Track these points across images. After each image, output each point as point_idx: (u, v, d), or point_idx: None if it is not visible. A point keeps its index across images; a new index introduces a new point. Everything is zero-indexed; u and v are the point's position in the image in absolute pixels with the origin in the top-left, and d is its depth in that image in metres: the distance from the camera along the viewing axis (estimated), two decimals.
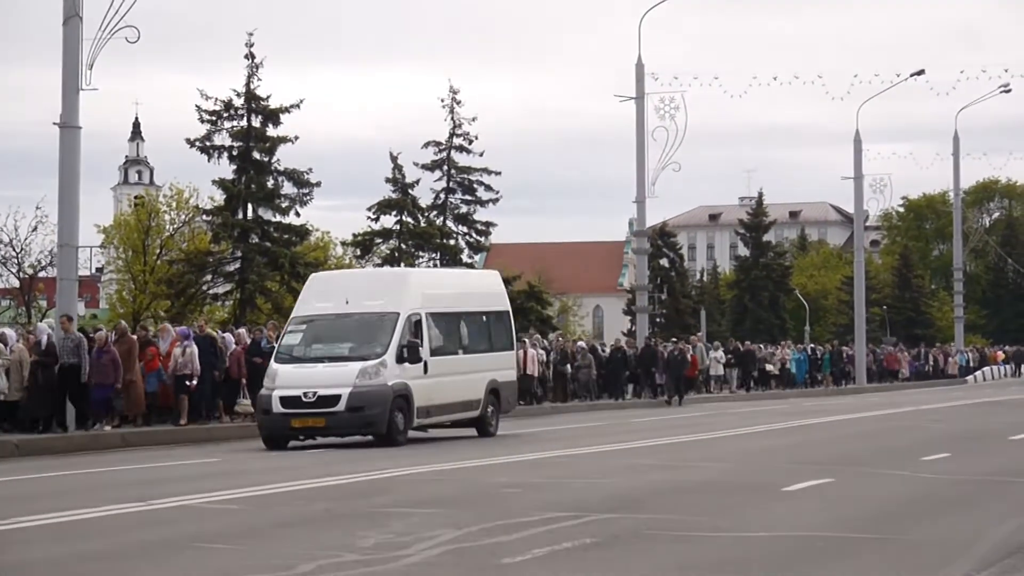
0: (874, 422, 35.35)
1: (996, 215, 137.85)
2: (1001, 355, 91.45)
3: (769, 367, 58.37)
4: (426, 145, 64.94)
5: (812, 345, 69.65)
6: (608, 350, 49.25)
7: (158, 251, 65.29)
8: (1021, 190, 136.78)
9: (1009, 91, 76.74)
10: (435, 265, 65.03)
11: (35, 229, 64.51)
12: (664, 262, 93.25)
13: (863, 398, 54.84)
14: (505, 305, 31.99)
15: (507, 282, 66.79)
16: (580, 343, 49.38)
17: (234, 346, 31.75)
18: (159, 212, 67.27)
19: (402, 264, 64.05)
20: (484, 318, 30.91)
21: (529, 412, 39.41)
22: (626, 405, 45.96)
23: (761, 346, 61.70)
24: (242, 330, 34.10)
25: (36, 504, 16.58)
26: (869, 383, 68.60)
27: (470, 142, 64.83)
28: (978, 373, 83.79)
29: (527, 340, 43.28)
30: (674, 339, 53.60)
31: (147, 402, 29.76)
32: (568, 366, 44.53)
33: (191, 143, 55.56)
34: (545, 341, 45.69)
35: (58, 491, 18.71)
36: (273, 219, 56.65)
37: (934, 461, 22.56)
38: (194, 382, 29.87)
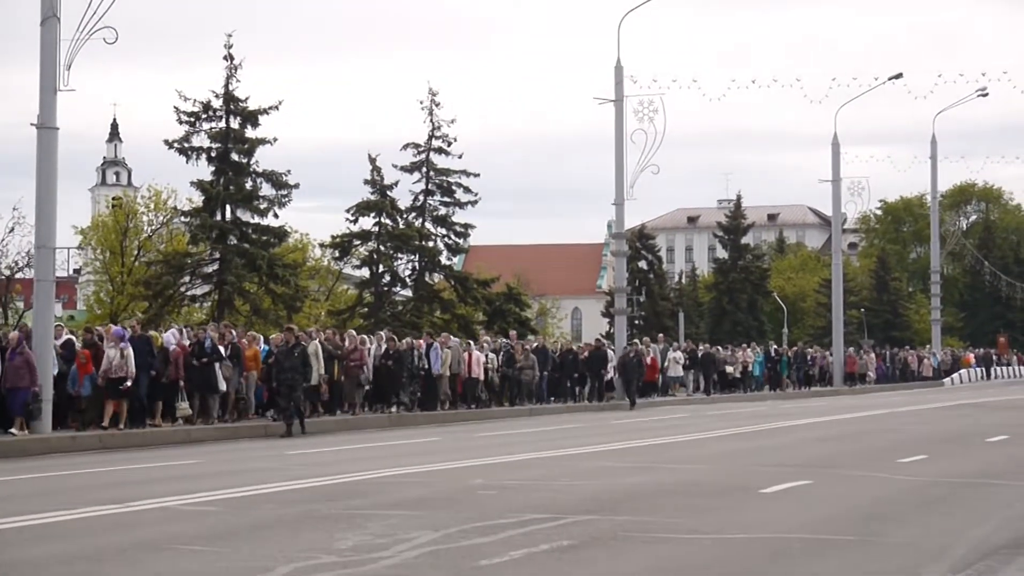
0: (851, 424, 35.41)
1: (973, 218, 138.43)
2: (971, 358, 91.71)
3: (729, 369, 56.83)
4: (405, 147, 64.88)
5: (775, 347, 67.22)
6: (558, 351, 47.44)
7: (136, 252, 65.26)
8: (998, 193, 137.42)
9: (986, 95, 77.15)
10: (414, 268, 65.01)
11: (12, 230, 64.52)
12: (643, 264, 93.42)
13: (838, 400, 54.70)
14: None
15: (486, 284, 67.41)
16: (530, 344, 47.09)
17: (173, 346, 30.83)
18: (137, 213, 67.30)
19: (380, 267, 64.02)
20: None
21: (472, 416, 38.51)
22: (572, 408, 44.09)
23: (719, 348, 60.05)
24: (172, 330, 32.95)
25: (13, 506, 16.52)
26: (835, 386, 66.84)
27: (449, 144, 64.78)
28: (955, 375, 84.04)
29: (472, 342, 42.32)
30: (635, 340, 53.00)
31: (82, 406, 28.85)
32: (511, 368, 42.55)
33: (169, 144, 55.43)
34: (493, 342, 43.83)
35: (35, 493, 18.63)
36: (251, 220, 56.51)
37: (911, 463, 22.65)
38: (128, 384, 28.81)
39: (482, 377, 40.49)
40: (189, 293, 58.20)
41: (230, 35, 55.04)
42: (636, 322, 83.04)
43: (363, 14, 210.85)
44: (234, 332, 33.50)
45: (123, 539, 13.87)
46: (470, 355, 39.94)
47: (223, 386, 31.62)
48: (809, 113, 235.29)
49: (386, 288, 64.95)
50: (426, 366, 37.99)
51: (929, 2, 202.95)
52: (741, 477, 20.13)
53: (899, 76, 70.79)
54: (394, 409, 36.72)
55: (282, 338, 32.42)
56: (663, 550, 13.30)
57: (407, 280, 65.30)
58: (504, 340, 45.52)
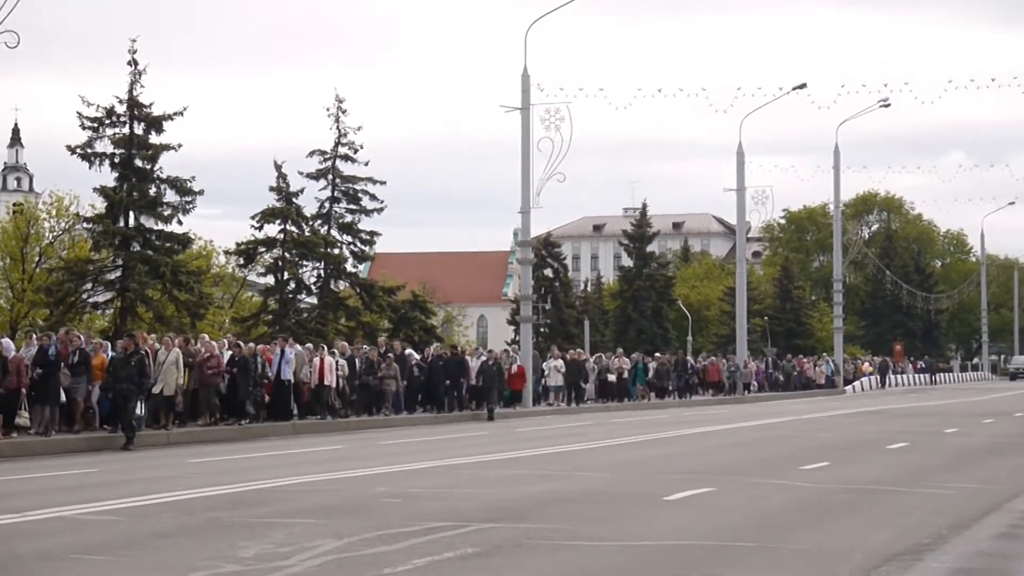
0: (753, 432, 35.68)
1: (875, 227, 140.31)
2: (867, 367, 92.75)
3: (612, 378, 55.17)
4: (311, 154, 64.66)
5: (648, 355, 64.14)
6: (428, 359, 44.77)
7: (37, 259, 64.40)
8: (899, 203, 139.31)
9: (888, 106, 78.21)
10: (319, 275, 64.77)
11: None
12: (548, 272, 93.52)
13: (742, 408, 55.00)
14: None
15: (391, 291, 67.30)
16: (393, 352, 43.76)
17: (12, 353, 29.30)
18: (38, 219, 66.36)
19: (285, 274, 63.70)
20: None
21: (327, 427, 36.69)
22: (426, 419, 41.52)
23: (602, 355, 58.72)
24: (5, 338, 31.36)
25: None
26: (691, 396, 62.43)
27: (355, 151, 64.61)
28: (855, 384, 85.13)
29: (324, 347, 40.52)
30: (492, 349, 51.95)
31: None
32: (371, 377, 40.53)
33: (72, 150, 54.81)
34: (348, 349, 41.37)
35: None
36: (155, 227, 56.01)
37: (813, 470, 22.85)
38: None
39: (334, 385, 38.44)
40: (91, 300, 57.57)
41: (134, 40, 54.50)
42: (542, 329, 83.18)
43: (270, 19, 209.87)
44: (81, 338, 31.90)
45: (21, 549, 13.68)
46: (322, 361, 38.01)
47: (63, 396, 29.98)
48: (714, 122, 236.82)
49: (291, 295, 64.60)
50: (271, 374, 36.24)
51: (833, 13, 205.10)
52: (645, 484, 20.21)
53: (803, 86, 71.61)
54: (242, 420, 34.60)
55: (121, 345, 31.07)
56: (567, 557, 13.33)
57: (312, 287, 64.99)
58: (365, 347, 43.59)
